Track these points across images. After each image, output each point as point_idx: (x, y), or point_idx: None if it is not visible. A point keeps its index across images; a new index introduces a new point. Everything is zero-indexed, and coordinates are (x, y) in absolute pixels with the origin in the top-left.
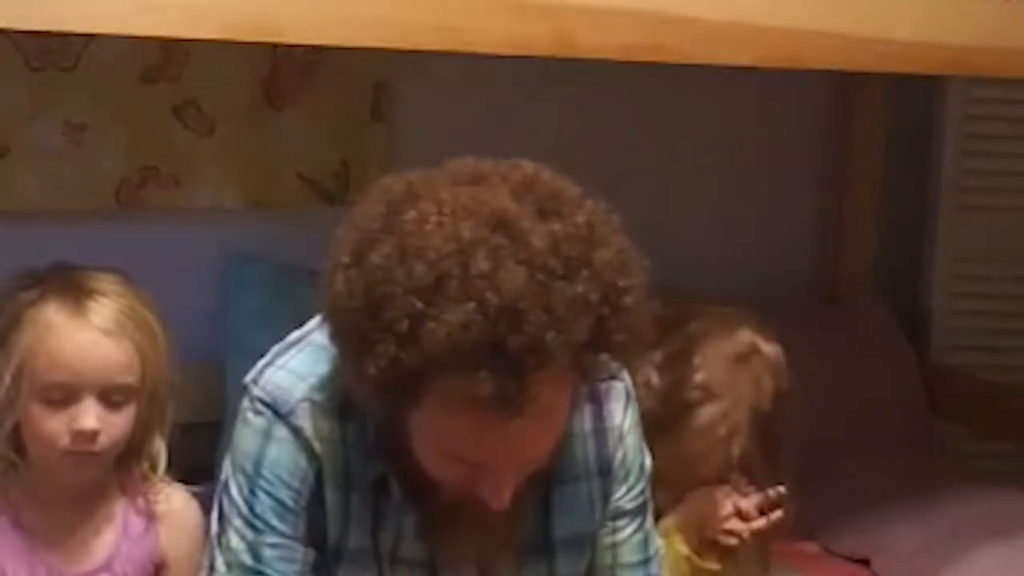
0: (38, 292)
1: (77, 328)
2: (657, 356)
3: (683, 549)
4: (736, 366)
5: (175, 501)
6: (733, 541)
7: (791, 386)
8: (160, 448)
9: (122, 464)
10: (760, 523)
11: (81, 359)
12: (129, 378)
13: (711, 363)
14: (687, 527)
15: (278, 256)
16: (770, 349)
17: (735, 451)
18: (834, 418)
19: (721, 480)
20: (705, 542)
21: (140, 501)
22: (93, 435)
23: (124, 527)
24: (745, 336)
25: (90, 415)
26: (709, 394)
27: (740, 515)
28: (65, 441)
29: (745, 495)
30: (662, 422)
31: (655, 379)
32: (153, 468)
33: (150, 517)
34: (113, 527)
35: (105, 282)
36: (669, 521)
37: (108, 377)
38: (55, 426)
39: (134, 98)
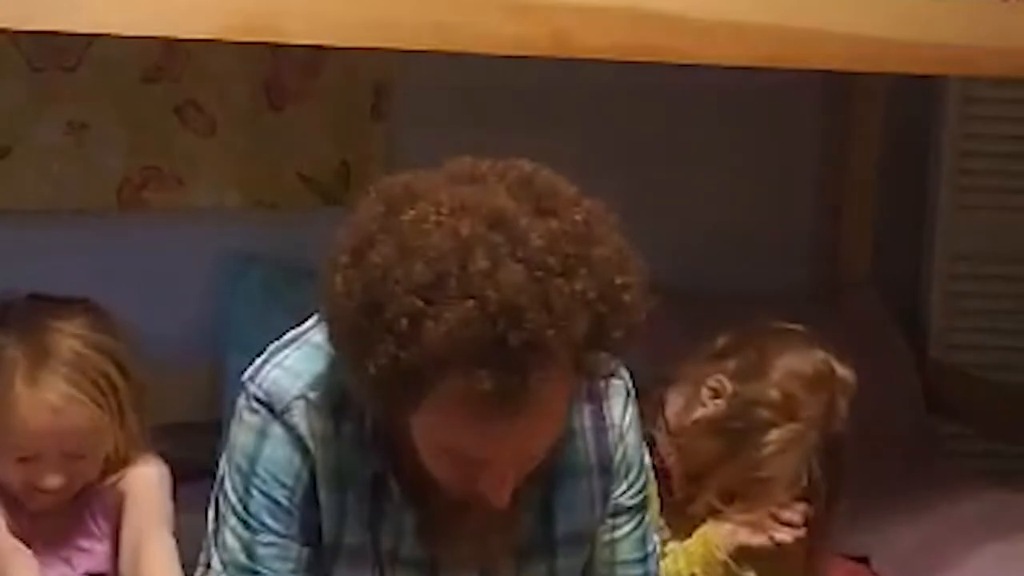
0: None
1: (33, 405)
2: (731, 365)
3: (720, 555)
4: (813, 387)
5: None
6: (786, 539)
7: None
8: (132, 455)
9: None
10: (803, 530)
11: (37, 435)
12: (88, 440)
13: (787, 381)
14: (732, 533)
15: (278, 256)
16: (845, 372)
17: (805, 474)
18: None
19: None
20: (745, 550)
21: (109, 486)
22: (54, 491)
23: (90, 502)
24: (821, 356)
25: (52, 476)
26: (784, 414)
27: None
28: (29, 484)
29: (783, 500)
30: (735, 434)
31: (729, 386)
32: (124, 463)
33: (117, 489)
34: (82, 506)
35: (64, 334)
36: (709, 528)
37: (66, 447)
38: (19, 475)
39: (135, 98)
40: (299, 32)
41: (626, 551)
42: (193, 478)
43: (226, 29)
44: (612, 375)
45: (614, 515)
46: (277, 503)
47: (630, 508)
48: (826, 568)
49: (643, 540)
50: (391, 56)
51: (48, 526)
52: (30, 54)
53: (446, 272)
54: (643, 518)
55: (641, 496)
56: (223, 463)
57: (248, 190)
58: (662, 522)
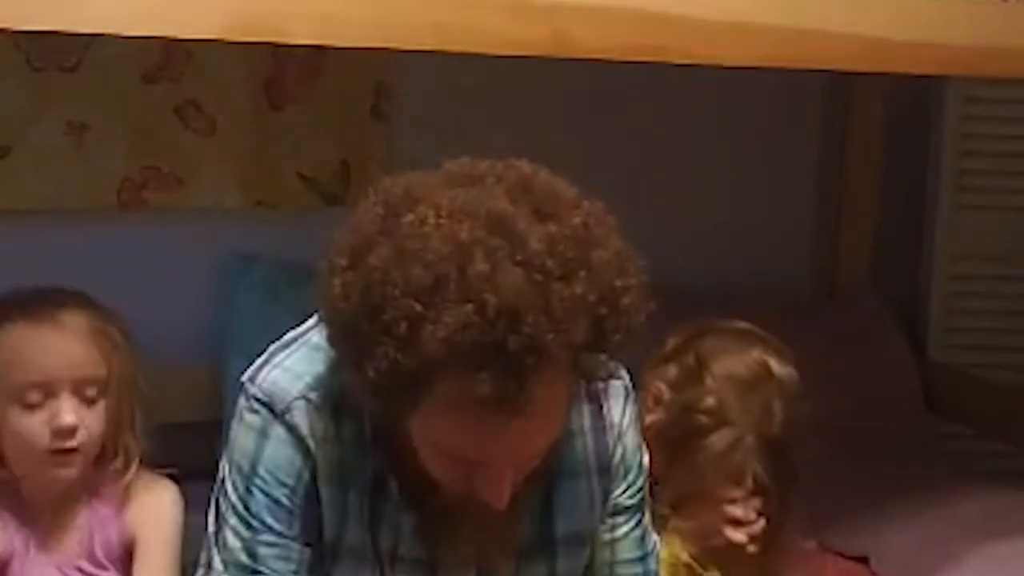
0: (5, 314)
1: (45, 332)
2: (671, 371)
3: (683, 556)
4: (747, 391)
5: (144, 483)
6: (745, 547)
7: (802, 409)
8: (132, 445)
9: (98, 462)
10: (758, 526)
11: (52, 357)
12: (99, 371)
13: (722, 386)
14: (689, 536)
15: (278, 256)
16: (784, 372)
17: (748, 477)
18: (832, 416)
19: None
20: (706, 551)
21: (114, 498)
22: (72, 430)
23: (100, 520)
24: (758, 357)
25: (68, 411)
26: (719, 420)
27: (733, 522)
28: (46, 440)
29: (733, 501)
30: (675, 443)
31: (667, 394)
32: (127, 465)
33: (124, 506)
34: (88, 520)
35: (70, 296)
36: (673, 526)
37: (79, 371)
38: (35, 426)
39: (135, 98)
40: (299, 32)
41: (625, 551)
42: (194, 478)
43: (226, 29)
44: (612, 375)
45: (613, 515)
46: (278, 503)
47: (629, 508)
48: (785, 565)
49: (642, 539)
50: (391, 56)
51: (49, 534)
52: (30, 54)
53: (444, 275)
54: (642, 518)
55: (640, 496)
56: (223, 463)
57: (248, 190)
58: None
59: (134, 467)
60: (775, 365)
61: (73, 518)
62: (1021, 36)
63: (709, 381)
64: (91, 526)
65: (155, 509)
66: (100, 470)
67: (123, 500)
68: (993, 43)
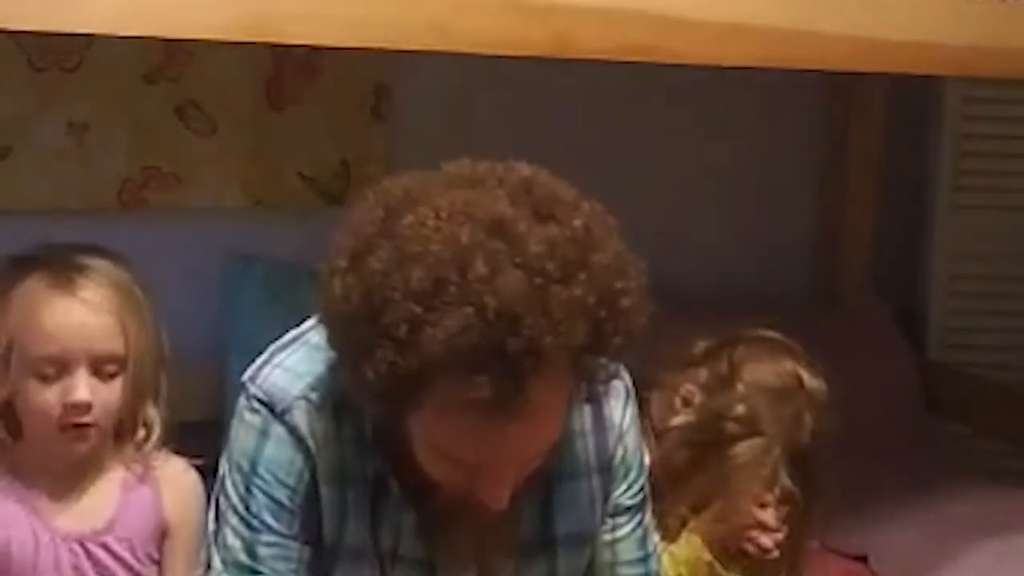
0: (26, 271)
1: (63, 302)
2: (702, 374)
3: (705, 555)
4: (778, 401)
5: (174, 468)
6: (770, 553)
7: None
8: (154, 416)
9: (118, 434)
10: (781, 535)
11: (68, 331)
12: (116, 347)
13: (753, 394)
14: (711, 536)
15: (278, 256)
16: (814, 384)
17: (776, 486)
18: (831, 416)
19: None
20: (728, 552)
21: (138, 468)
22: (86, 407)
23: (125, 494)
24: (790, 369)
25: (81, 387)
26: (750, 429)
27: (762, 527)
28: (58, 413)
29: (764, 505)
30: (703, 447)
31: (697, 397)
32: (147, 436)
33: (151, 484)
34: (113, 493)
35: (92, 258)
36: (693, 526)
37: (95, 347)
38: (48, 399)
39: (136, 98)
40: (299, 32)
41: (626, 551)
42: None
43: (226, 29)
44: (612, 376)
45: (614, 515)
46: (279, 503)
47: (630, 508)
48: (805, 571)
49: (643, 540)
50: (391, 56)
51: (66, 508)
52: (32, 54)
53: (445, 278)
54: (643, 518)
55: (640, 496)
56: (223, 462)
57: (249, 190)
58: None
59: (155, 437)
60: (806, 377)
61: (95, 491)
62: (1021, 36)
63: (740, 388)
64: (122, 504)
65: (187, 499)
66: (122, 443)
67: (152, 480)
68: (993, 43)
